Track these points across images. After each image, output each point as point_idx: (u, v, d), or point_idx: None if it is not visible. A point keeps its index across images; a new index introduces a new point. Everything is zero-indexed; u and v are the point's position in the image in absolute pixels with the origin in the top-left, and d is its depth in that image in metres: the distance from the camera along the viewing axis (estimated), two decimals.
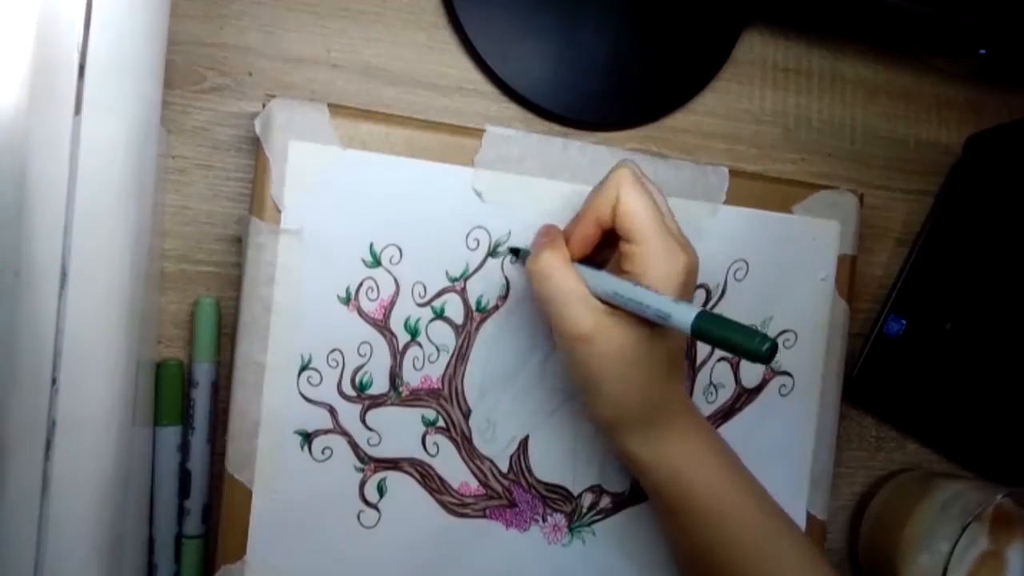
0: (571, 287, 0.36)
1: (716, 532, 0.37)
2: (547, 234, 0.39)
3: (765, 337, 0.31)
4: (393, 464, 0.41)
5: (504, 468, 0.43)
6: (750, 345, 0.31)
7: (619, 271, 0.37)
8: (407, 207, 0.40)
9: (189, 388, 0.41)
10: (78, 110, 0.28)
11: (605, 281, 0.36)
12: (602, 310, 0.35)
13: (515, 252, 0.42)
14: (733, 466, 0.38)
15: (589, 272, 0.37)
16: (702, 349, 0.45)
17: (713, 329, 0.32)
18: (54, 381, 0.28)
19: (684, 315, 0.32)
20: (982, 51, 0.48)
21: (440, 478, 0.42)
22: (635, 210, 0.36)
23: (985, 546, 0.46)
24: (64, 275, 0.28)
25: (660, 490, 0.38)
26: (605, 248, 0.39)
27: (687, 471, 0.37)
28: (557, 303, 0.36)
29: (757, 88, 0.50)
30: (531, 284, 0.37)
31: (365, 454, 0.41)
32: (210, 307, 0.41)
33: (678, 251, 0.36)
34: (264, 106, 0.39)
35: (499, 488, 0.43)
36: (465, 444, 0.42)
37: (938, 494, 0.47)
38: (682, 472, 0.37)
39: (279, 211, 0.39)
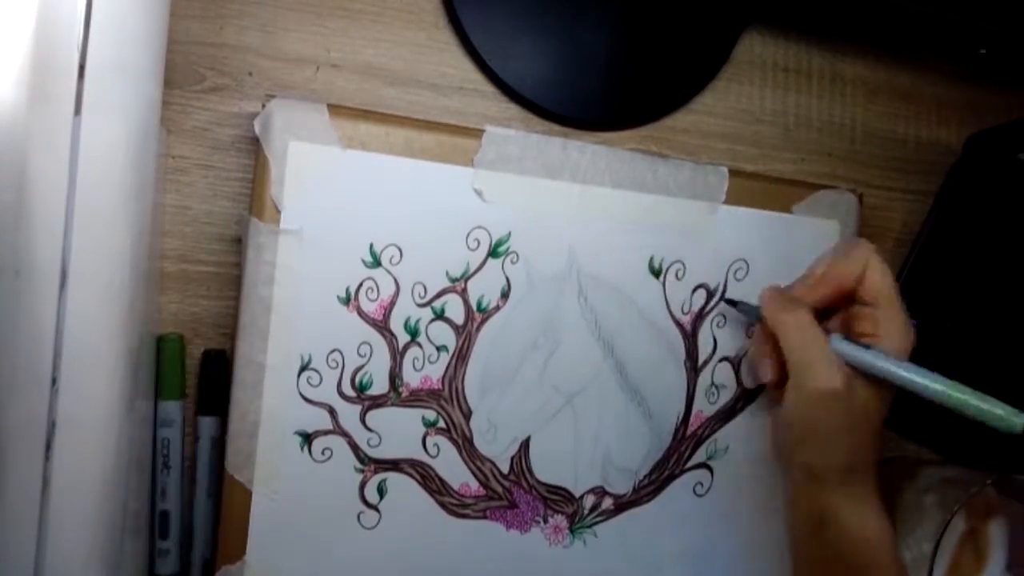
0: (823, 344, 0.39)
1: None
2: (784, 293, 0.42)
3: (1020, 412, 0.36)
4: (393, 465, 0.41)
5: (505, 469, 0.43)
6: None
7: (850, 332, 0.41)
8: (407, 207, 0.40)
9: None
10: (78, 110, 0.28)
11: (849, 347, 0.39)
12: (849, 371, 0.39)
13: (731, 303, 0.45)
14: (894, 540, 0.40)
15: (839, 340, 0.40)
16: (704, 348, 0.45)
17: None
18: (54, 381, 0.28)
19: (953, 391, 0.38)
20: (982, 51, 0.48)
21: (440, 479, 0.42)
22: (884, 280, 0.40)
23: (963, 527, 0.46)
24: (64, 275, 0.28)
25: (840, 542, 0.40)
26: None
27: (876, 533, 0.39)
28: (809, 357, 0.39)
29: (757, 88, 0.50)
30: (777, 336, 0.41)
31: (365, 455, 0.41)
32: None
33: (909, 322, 0.40)
34: (264, 106, 0.39)
35: (500, 489, 0.43)
36: (466, 445, 0.42)
37: (914, 489, 0.47)
38: (869, 534, 0.39)
39: (279, 211, 0.38)
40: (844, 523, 0.39)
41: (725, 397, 0.46)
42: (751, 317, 0.44)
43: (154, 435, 0.40)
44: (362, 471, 0.41)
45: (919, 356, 0.51)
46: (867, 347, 0.39)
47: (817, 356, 0.39)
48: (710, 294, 0.45)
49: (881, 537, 0.39)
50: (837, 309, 0.42)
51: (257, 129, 0.39)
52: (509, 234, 0.42)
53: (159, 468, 0.40)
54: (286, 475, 0.39)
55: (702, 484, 0.46)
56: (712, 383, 0.46)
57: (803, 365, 0.39)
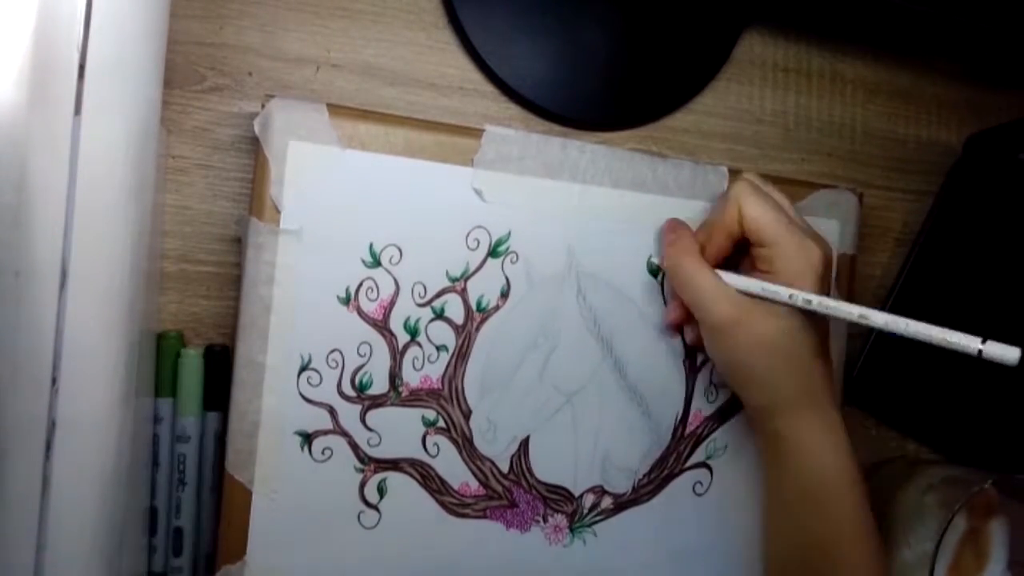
0: (712, 282, 0.39)
1: (827, 517, 0.40)
2: (679, 237, 0.42)
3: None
4: (393, 464, 0.41)
5: (505, 468, 0.43)
6: None
7: (754, 273, 0.40)
8: (407, 207, 0.40)
9: (176, 442, 0.41)
10: (78, 110, 0.28)
11: (747, 280, 0.39)
12: (745, 300, 0.38)
13: (654, 272, 0.44)
14: (856, 462, 0.40)
15: (728, 274, 0.40)
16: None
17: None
18: (54, 381, 0.28)
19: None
20: (982, 51, 0.48)
21: (440, 478, 0.42)
22: (759, 216, 0.39)
23: (964, 527, 0.46)
24: (64, 275, 0.28)
25: (795, 472, 0.40)
26: (736, 256, 0.42)
27: (826, 459, 0.39)
28: (701, 298, 0.39)
29: (757, 88, 0.50)
30: (673, 284, 0.42)
31: (365, 454, 0.41)
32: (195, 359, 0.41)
33: (811, 245, 0.39)
34: (263, 106, 0.39)
35: (500, 488, 0.43)
36: (465, 444, 0.42)
37: (914, 489, 0.47)
38: (823, 460, 0.39)
39: (278, 211, 0.39)
40: (795, 448, 0.39)
41: (724, 396, 0.46)
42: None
43: (153, 433, 0.40)
44: (362, 471, 0.41)
45: (919, 356, 0.51)
46: (759, 280, 0.39)
47: (704, 296, 0.39)
48: None
49: (837, 465, 0.39)
50: (746, 254, 0.42)
51: (257, 129, 0.39)
52: (509, 234, 0.42)
53: (159, 464, 0.40)
54: (286, 475, 0.39)
55: (701, 483, 0.46)
56: (711, 382, 0.46)
57: (695, 304, 0.40)
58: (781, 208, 0.40)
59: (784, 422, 0.39)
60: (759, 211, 0.39)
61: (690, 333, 0.44)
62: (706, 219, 0.43)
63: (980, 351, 0.34)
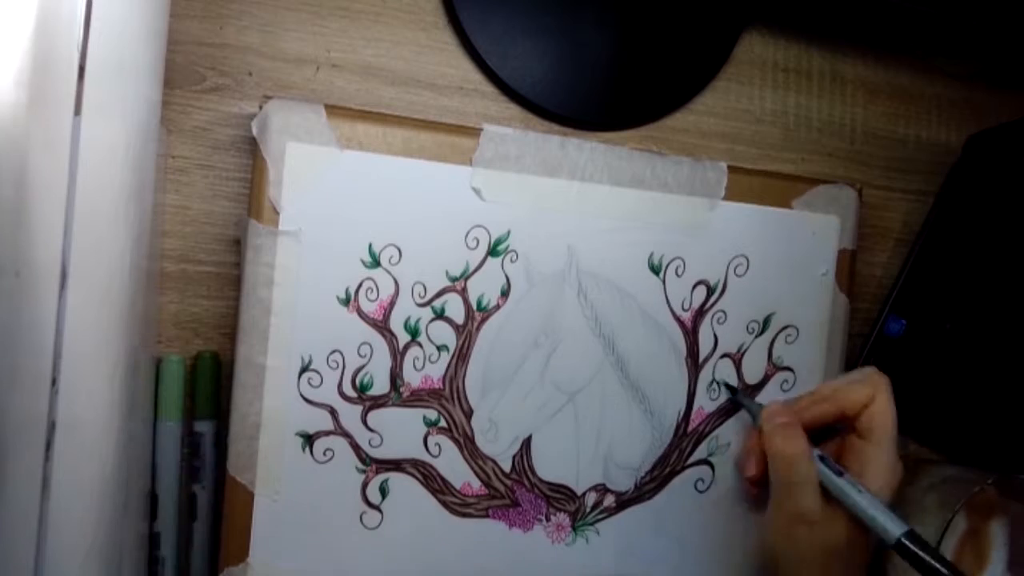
0: (811, 476, 0.40)
1: None
2: (787, 415, 0.42)
3: None
4: (395, 465, 0.41)
5: (507, 468, 0.43)
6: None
7: (839, 459, 0.41)
8: (406, 207, 0.40)
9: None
10: (78, 110, 0.28)
11: (835, 480, 0.40)
12: (825, 501, 0.39)
13: (735, 401, 0.45)
14: None
15: (822, 466, 0.40)
16: (704, 345, 0.45)
17: (918, 551, 0.37)
18: (54, 381, 0.28)
19: (893, 528, 0.37)
20: (982, 51, 0.48)
21: (442, 478, 0.42)
22: (886, 417, 0.40)
23: (964, 527, 0.46)
24: (64, 275, 0.28)
25: None
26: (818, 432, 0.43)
27: None
28: (794, 485, 0.40)
29: (757, 88, 0.50)
30: (769, 452, 0.41)
31: (367, 455, 0.41)
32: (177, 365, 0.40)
33: (900, 465, 0.41)
34: (261, 107, 0.39)
35: (502, 488, 0.43)
36: (467, 444, 0.42)
37: (914, 489, 0.47)
38: None
39: (277, 213, 0.38)
40: None
41: (726, 394, 0.46)
42: (752, 416, 0.44)
43: (153, 434, 0.40)
44: (364, 471, 0.41)
45: (919, 356, 0.51)
46: (841, 473, 0.39)
47: (800, 488, 0.39)
48: (710, 290, 0.45)
49: None
50: (834, 432, 0.43)
51: (254, 131, 0.39)
52: (508, 232, 0.42)
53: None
54: (288, 476, 0.39)
55: (703, 480, 0.46)
56: (713, 379, 0.46)
57: (784, 485, 0.40)
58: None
59: None
60: (889, 412, 0.40)
61: (754, 491, 0.45)
62: (820, 387, 0.43)
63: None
